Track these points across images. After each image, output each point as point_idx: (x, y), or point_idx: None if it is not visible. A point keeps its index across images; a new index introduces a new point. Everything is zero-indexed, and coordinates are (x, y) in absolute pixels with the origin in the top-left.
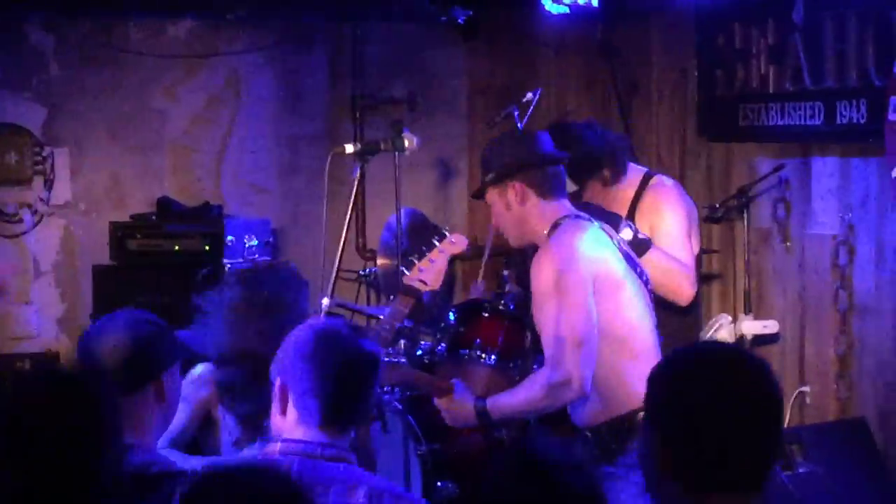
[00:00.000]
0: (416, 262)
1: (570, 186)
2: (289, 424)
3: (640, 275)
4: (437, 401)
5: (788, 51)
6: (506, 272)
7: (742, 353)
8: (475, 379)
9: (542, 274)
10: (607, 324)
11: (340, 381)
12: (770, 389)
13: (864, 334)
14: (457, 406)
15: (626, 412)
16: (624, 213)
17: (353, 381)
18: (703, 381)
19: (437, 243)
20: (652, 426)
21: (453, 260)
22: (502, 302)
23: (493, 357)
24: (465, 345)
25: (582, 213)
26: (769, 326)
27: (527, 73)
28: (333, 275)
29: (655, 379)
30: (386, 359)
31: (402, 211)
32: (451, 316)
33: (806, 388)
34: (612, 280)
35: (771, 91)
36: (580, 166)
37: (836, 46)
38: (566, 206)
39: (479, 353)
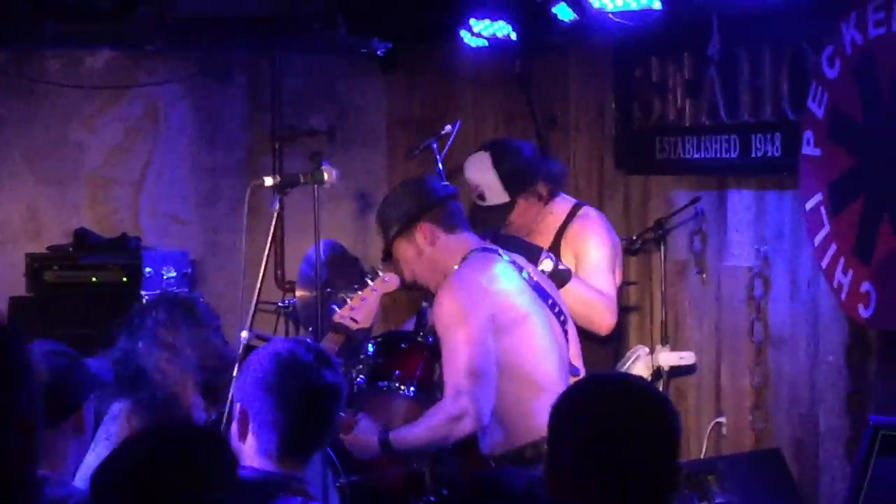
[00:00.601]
0: (347, 299)
1: (503, 197)
2: (248, 450)
3: (553, 307)
4: (342, 435)
5: (704, 85)
6: (425, 304)
7: (638, 385)
8: (394, 411)
9: (444, 308)
10: (509, 357)
11: (301, 414)
12: (662, 422)
13: (779, 366)
14: (360, 440)
15: (526, 443)
16: (550, 239)
17: (314, 414)
18: (595, 412)
19: (369, 281)
20: (549, 452)
21: None
22: (421, 334)
23: (412, 389)
24: (384, 377)
25: (490, 246)
26: (686, 358)
27: (446, 106)
28: (252, 306)
29: (554, 407)
30: None
31: (321, 243)
32: (370, 347)
33: (722, 419)
34: (515, 314)
35: (687, 124)
36: (515, 177)
37: (752, 81)
38: (473, 238)
39: (398, 384)
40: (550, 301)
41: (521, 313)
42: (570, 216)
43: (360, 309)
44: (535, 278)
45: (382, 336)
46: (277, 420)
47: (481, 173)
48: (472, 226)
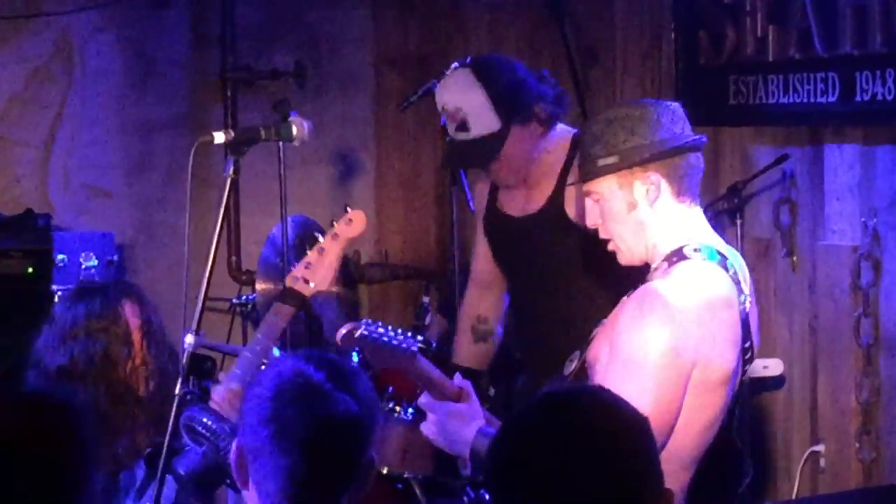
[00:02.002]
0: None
1: (493, 124)
2: None
3: (746, 352)
4: (430, 400)
5: (793, 6)
6: (426, 299)
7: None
8: (387, 439)
9: (643, 334)
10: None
11: (309, 455)
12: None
13: (894, 377)
14: (456, 422)
15: None
16: (550, 184)
17: (326, 455)
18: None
19: (333, 224)
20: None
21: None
22: (420, 338)
23: (409, 410)
24: None
25: (716, 242)
26: (771, 367)
27: (452, 38)
28: (199, 304)
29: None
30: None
31: (289, 220)
32: (356, 356)
33: (819, 448)
34: (716, 376)
35: (771, 59)
36: (510, 97)
37: (856, 1)
38: (700, 219)
39: (392, 404)
40: (748, 344)
41: (723, 376)
42: (574, 151)
43: (316, 266)
44: (748, 306)
45: None
46: (279, 464)
47: (463, 94)
48: (446, 166)
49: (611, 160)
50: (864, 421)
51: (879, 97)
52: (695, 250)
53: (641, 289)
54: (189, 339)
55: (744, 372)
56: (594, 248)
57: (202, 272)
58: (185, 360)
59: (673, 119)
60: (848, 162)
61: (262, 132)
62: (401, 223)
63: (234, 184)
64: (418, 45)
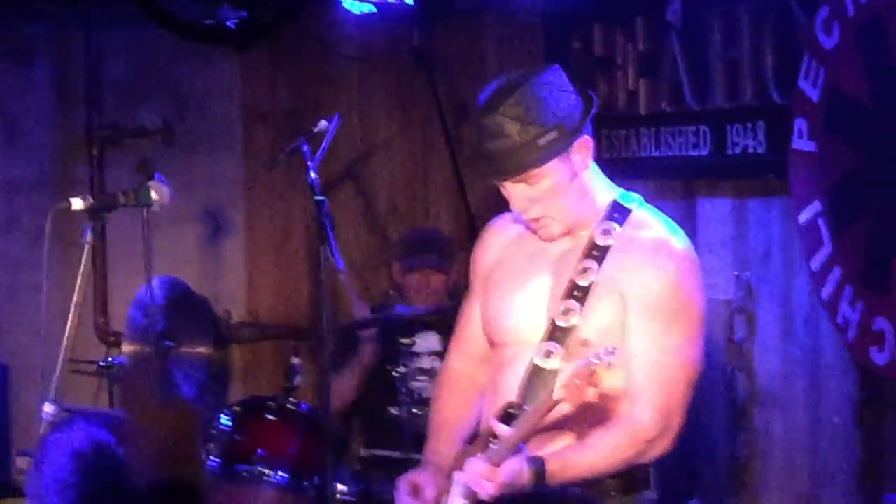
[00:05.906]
0: None
1: None
2: None
3: None
4: (482, 462)
5: (664, 60)
6: (295, 360)
7: None
8: (261, 502)
9: (686, 284)
10: None
11: None
12: None
13: (769, 431)
14: (509, 483)
15: None
16: None
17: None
18: None
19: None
20: None
21: None
22: (291, 400)
23: (282, 474)
24: (244, 458)
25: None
26: None
27: (321, 94)
28: (58, 367)
29: None
30: None
31: (157, 281)
32: (224, 419)
33: (694, 503)
34: None
35: (642, 112)
36: None
37: (726, 54)
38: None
39: (262, 468)
40: None
41: None
42: None
43: None
44: None
45: (240, 403)
46: None
47: None
48: None
49: (551, 136)
50: (739, 476)
51: (751, 150)
52: (626, 191)
53: (658, 245)
54: (47, 408)
55: None
56: None
57: (62, 334)
58: (42, 430)
59: (564, 78)
60: (720, 215)
61: (121, 197)
62: (272, 282)
63: (98, 247)
64: (288, 101)
